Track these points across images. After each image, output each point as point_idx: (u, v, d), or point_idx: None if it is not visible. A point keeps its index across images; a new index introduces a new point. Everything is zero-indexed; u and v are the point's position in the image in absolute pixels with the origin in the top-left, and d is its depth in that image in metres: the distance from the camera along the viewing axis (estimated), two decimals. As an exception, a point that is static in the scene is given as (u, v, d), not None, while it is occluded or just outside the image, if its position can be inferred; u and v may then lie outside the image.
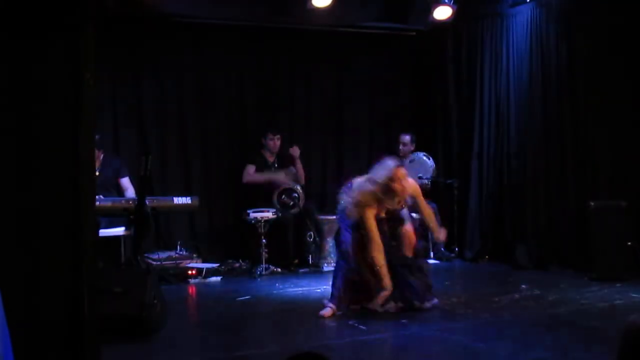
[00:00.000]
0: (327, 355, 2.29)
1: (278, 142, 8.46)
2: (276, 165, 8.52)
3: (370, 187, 5.60)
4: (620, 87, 7.38)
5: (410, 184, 5.81)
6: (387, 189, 5.56)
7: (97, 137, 7.34)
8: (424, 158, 8.80)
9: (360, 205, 5.58)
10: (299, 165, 8.53)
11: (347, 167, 9.32)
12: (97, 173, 7.44)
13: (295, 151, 8.53)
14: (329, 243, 8.42)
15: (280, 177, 8.27)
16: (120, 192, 7.62)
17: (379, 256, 5.51)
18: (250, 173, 8.35)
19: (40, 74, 3.18)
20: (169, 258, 7.66)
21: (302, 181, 8.50)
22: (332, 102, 9.24)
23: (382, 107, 9.44)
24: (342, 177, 9.24)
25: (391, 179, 5.55)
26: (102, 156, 7.48)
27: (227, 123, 8.81)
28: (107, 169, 7.58)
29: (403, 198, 5.74)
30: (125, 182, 7.63)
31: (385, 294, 5.55)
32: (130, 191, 7.53)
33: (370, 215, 5.56)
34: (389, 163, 5.65)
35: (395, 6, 8.56)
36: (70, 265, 3.17)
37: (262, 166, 8.44)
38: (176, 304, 6.28)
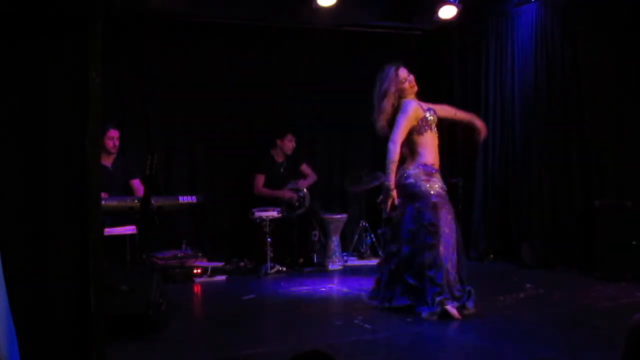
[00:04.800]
0: (332, 354, 2.29)
1: (294, 144, 8.53)
2: (285, 164, 8.55)
3: (387, 101, 5.70)
4: (626, 86, 7.37)
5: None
6: (401, 92, 5.71)
7: (110, 128, 7.44)
8: None
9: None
10: (311, 174, 8.60)
11: (352, 167, 9.35)
12: (110, 169, 7.48)
13: (307, 170, 8.62)
14: (334, 242, 8.45)
15: (287, 193, 8.33)
16: (128, 192, 7.63)
17: None
18: (259, 186, 8.42)
19: (47, 73, 3.19)
20: (174, 257, 7.67)
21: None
22: (337, 102, 9.24)
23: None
24: (347, 175, 9.33)
25: (399, 81, 5.70)
26: (119, 139, 7.51)
27: (232, 122, 8.82)
28: (121, 168, 7.61)
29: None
30: (137, 183, 7.66)
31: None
32: (140, 193, 7.54)
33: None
34: (385, 70, 5.78)
35: (400, 5, 8.59)
36: (77, 265, 3.18)
37: (271, 169, 8.47)
38: (181, 302, 6.30)
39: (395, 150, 5.54)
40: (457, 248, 5.62)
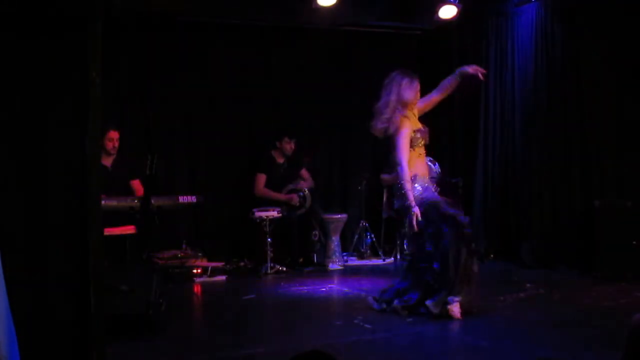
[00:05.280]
0: (332, 354, 2.29)
1: (293, 146, 8.51)
2: (285, 166, 8.55)
3: (402, 109, 5.73)
4: (626, 86, 7.37)
5: None
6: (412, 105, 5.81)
7: (110, 129, 7.43)
8: (429, 164, 8.80)
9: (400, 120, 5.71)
10: (309, 178, 8.59)
11: (352, 166, 9.35)
12: (109, 170, 7.48)
13: (305, 174, 8.61)
14: (334, 242, 8.45)
15: (287, 196, 8.34)
16: (128, 192, 7.62)
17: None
18: (261, 187, 8.40)
19: (46, 73, 3.19)
20: (174, 257, 7.67)
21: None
22: (337, 102, 9.24)
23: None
24: (347, 175, 9.33)
25: (416, 94, 5.80)
26: (118, 140, 7.50)
27: (232, 121, 8.82)
28: (121, 168, 7.60)
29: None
30: (137, 184, 7.65)
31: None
32: (140, 193, 7.53)
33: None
34: (403, 79, 5.78)
35: (400, 5, 8.58)
36: (77, 265, 3.18)
37: (272, 169, 8.47)
38: (182, 302, 6.30)
39: (405, 170, 5.59)
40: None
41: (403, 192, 5.59)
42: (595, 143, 7.54)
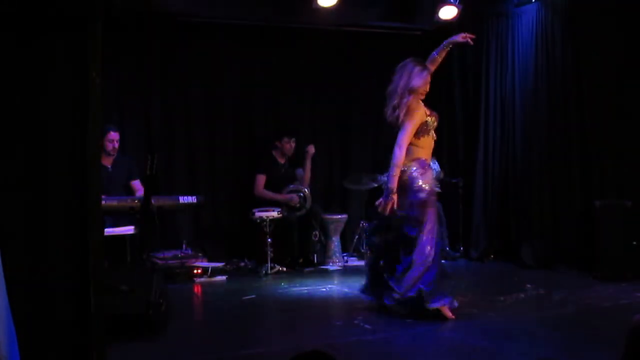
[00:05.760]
0: (332, 354, 2.29)
1: (293, 145, 8.49)
2: (286, 166, 8.54)
3: (411, 98, 5.65)
4: (626, 86, 7.37)
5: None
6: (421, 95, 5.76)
7: (110, 130, 7.44)
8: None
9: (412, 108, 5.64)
10: (309, 165, 8.53)
11: (352, 167, 9.34)
12: (109, 170, 7.48)
13: (311, 149, 8.53)
14: (334, 242, 8.45)
15: (287, 196, 8.31)
16: (129, 193, 7.63)
17: None
18: (260, 188, 8.36)
19: (47, 73, 3.19)
20: (174, 257, 7.66)
21: (307, 183, 8.48)
22: (338, 102, 9.24)
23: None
24: (347, 175, 9.32)
25: (426, 83, 5.74)
26: (118, 142, 7.50)
27: (233, 122, 8.82)
28: (120, 168, 7.61)
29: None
30: (137, 184, 7.65)
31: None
32: (140, 194, 7.54)
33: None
34: (415, 67, 5.72)
35: (400, 6, 8.58)
36: (77, 265, 3.18)
37: (273, 169, 8.45)
38: (182, 303, 6.30)
39: (401, 154, 5.50)
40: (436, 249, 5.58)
41: (391, 173, 5.50)
42: (595, 143, 7.53)
